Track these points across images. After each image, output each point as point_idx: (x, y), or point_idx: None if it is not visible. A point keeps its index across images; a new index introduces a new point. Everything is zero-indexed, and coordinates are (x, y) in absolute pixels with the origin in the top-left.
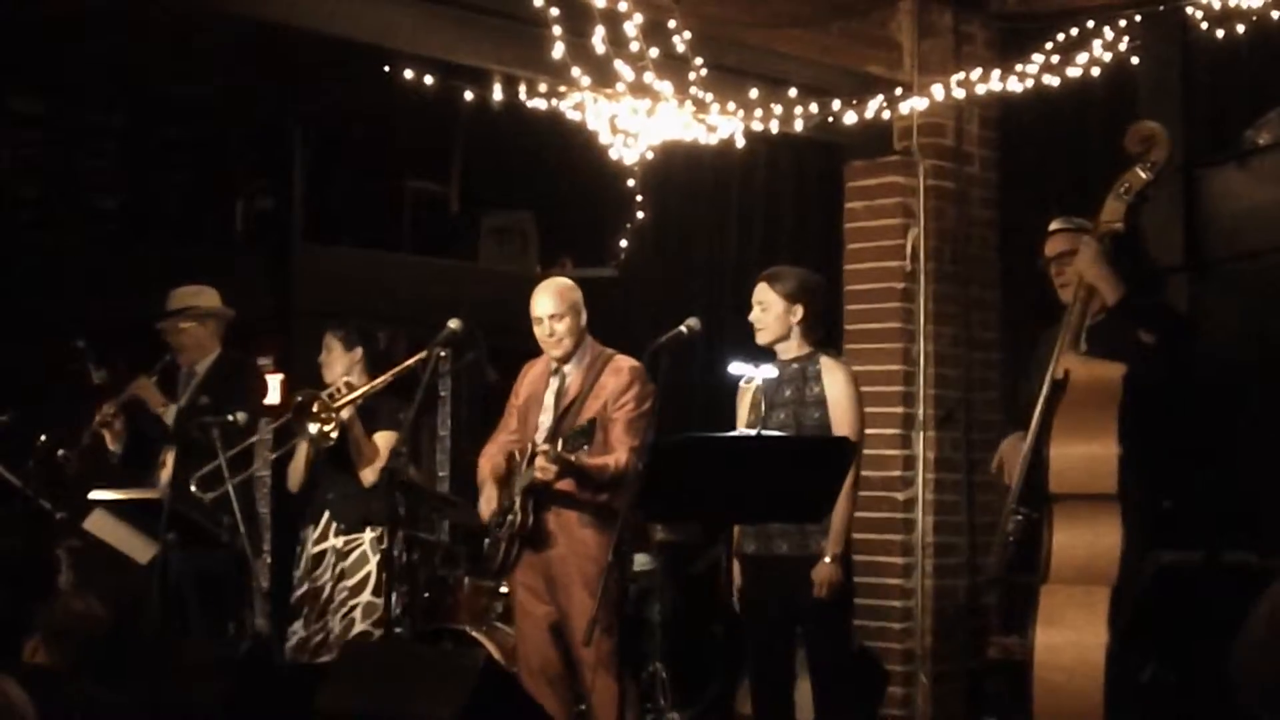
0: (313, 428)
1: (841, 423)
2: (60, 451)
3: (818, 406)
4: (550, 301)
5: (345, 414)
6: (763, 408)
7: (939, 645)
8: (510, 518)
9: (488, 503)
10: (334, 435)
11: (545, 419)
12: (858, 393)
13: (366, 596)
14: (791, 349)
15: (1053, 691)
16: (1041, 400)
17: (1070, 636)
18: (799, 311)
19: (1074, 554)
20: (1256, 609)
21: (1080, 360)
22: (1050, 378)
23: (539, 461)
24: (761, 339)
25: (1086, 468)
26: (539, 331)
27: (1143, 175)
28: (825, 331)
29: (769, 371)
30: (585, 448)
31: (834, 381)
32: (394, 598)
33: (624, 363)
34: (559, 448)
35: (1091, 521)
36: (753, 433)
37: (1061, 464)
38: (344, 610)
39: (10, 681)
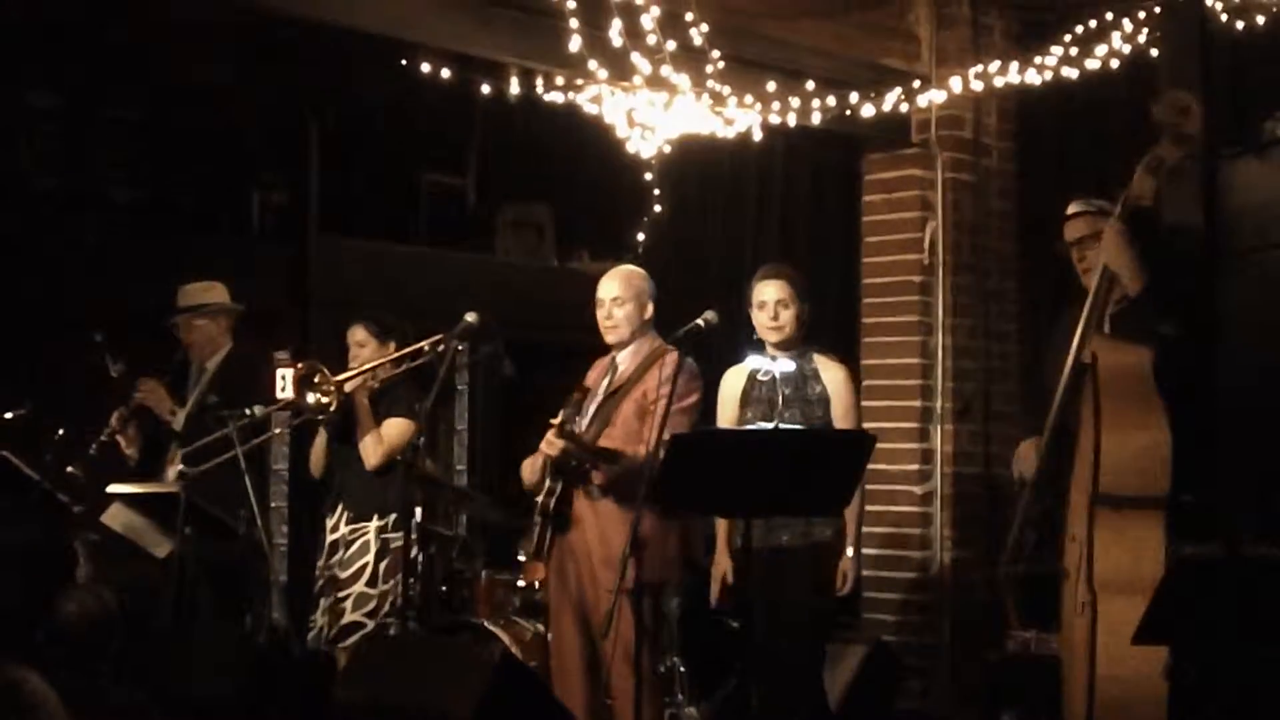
0: (310, 397)
1: (841, 420)
2: (69, 469)
3: (820, 404)
4: (614, 285)
5: (349, 386)
6: (778, 402)
7: (957, 639)
8: (538, 498)
9: (530, 464)
10: (332, 406)
11: (593, 406)
12: (857, 388)
13: (359, 587)
14: (794, 346)
15: (1115, 700)
16: (1065, 381)
17: (1135, 651)
18: (805, 309)
19: (1120, 563)
20: None
21: (1106, 343)
22: (1075, 359)
23: (547, 435)
24: (776, 337)
25: (1141, 467)
26: (599, 314)
27: (1175, 149)
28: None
29: (786, 365)
30: (577, 420)
31: (832, 379)
32: (400, 588)
33: (674, 357)
34: (561, 422)
35: (1137, 528)
36: (770, 426)
37: (1114, 463)
38: (336, 599)
39: (33, 673)
